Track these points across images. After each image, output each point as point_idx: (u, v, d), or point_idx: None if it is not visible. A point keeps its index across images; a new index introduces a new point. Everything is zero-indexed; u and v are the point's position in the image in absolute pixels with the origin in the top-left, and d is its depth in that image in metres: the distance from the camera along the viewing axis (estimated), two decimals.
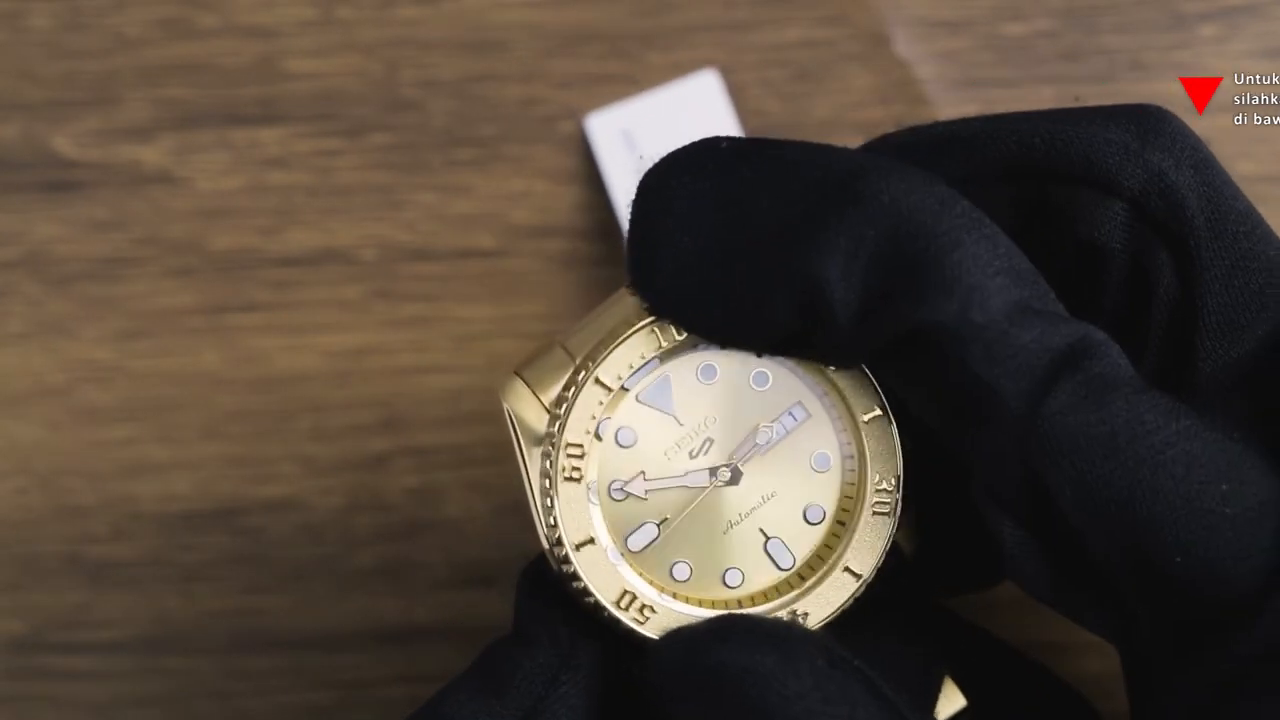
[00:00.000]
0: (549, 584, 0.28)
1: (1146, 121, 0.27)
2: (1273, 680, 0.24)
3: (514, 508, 0.41)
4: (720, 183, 0.26)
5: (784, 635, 0.26)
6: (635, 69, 0.42)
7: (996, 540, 0.27)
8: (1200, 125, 0.42)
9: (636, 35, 0.42)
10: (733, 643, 0.26)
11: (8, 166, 0.42)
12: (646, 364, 0.27)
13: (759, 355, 0.28)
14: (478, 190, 0.42)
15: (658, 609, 0.28)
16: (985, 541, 0.28)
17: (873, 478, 0.28)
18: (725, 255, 0.26)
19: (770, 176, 0.26)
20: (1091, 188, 0.27)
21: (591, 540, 0.27)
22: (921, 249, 0.25)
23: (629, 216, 0.27)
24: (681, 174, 0.27)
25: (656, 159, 0.27)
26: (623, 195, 0.41)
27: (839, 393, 0.28)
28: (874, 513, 0.28)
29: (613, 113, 0.41)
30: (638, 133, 0.41)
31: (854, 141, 0.42)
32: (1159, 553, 0.24)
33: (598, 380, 0.27)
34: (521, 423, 0.28)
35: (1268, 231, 0.27)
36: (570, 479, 0.27)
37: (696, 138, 0.41)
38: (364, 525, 0.42)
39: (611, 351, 0.27)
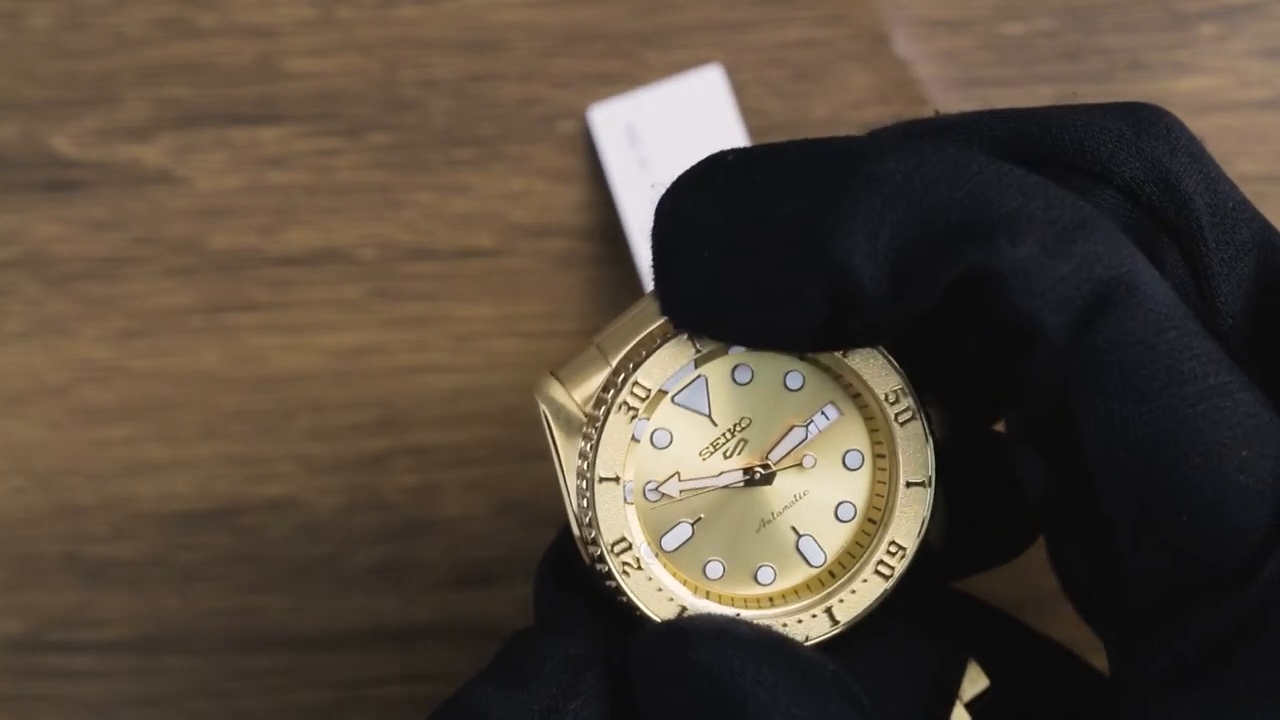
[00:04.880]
0: (570, 572, 0.28)
1: (1142, 113, 0.27)
2: (1247, 654, 0.24)
3: (513, 507, 0.41)
4: (731, 192, 0.27)
5: (756, 635, 0.27)
6: (635, 68, 0.42)
7: (1023, 481, 0.27)
8: (1200, 125, 0.42)
9: (636, 35, 0.42)
10: (709, 640, 0.26)
11: (7, 166, 0.42)
12: (683, 369, 0.28)
13: (801, 357, 0.28)
14: (477, 190, 0.42)
15: (643, 565, 0.28)
16: (1005, 521, 0.29)
17: (903, 474, 0.28)
18: (746, 260, 0.26)
19: (778, 176, 0.26)
20: (1085, 175, 0.27)
21: (616, 479, 0.28)
22: (943, 211, 0.25)
23: (650, 244, 0.27)
24: (693, 191, 0.27)
25: (666, 186, 0.27)
26: (625, 189, 0.41)
27: (869, 390, 0.28)
28: (905, 507, 0.28)
29: (615, 106, 0.41)
30: (640, 126, 0.41)
31: None
32: (1167, 508, 0.24)
33: (628, 398, 0.27)
34: (555, 419, 0.28)
35: (1266, 222, 0.27)
36: (607, 479, 0.28)
37: (699, 131, 0.41)
38: (363, 525, 0.42)
39: (647, 358, 0.27)
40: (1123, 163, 0.27)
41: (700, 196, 0.27)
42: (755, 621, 0.28)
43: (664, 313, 0.28)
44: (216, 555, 0.42)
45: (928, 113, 0.42)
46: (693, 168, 0.27)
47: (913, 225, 0.25)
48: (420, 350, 0.42)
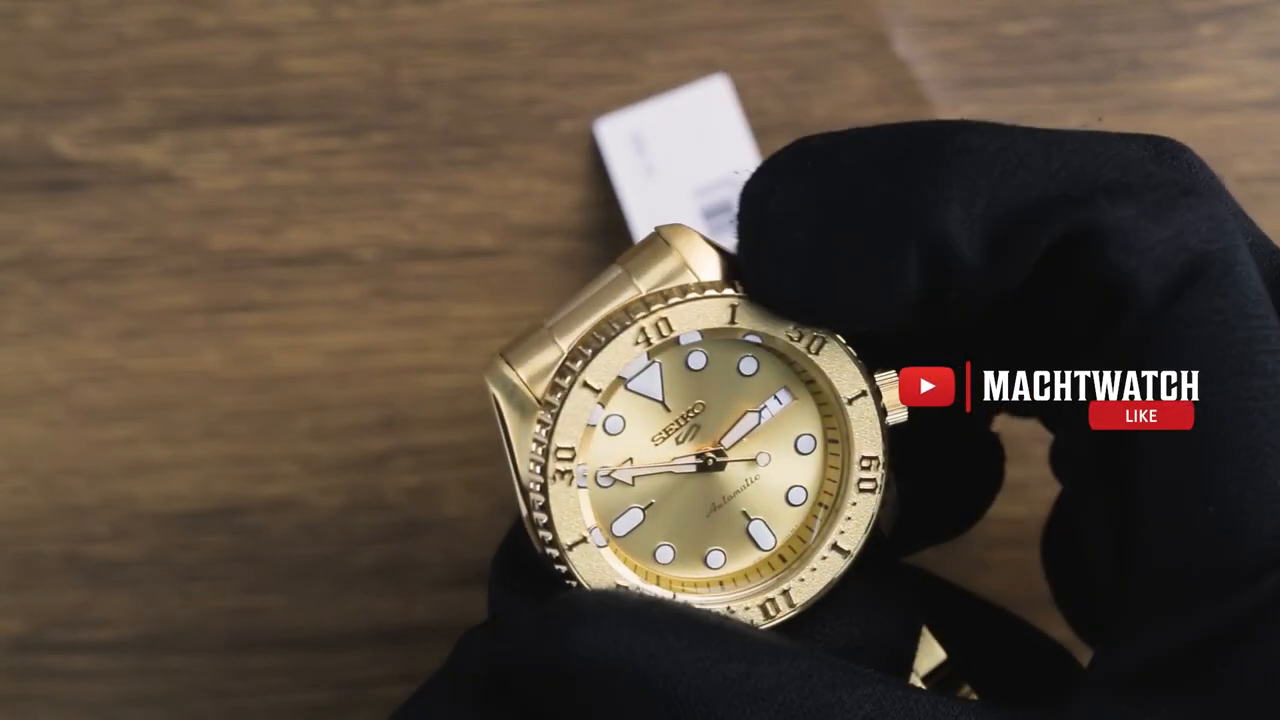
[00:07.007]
0: (522, 569, 0.28)
1: (1162, 146, 0.27)
2: (1240, 655, 0.24)
3: (513, 507, 0.41)
4: (821, 175, 0.26)
5: (634, 605, 0.26)
6: (634, 68, 0.42)
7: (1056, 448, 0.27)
8: (1200, 125, 0.42)
9: (636, 35, 0.42)
10: (587, 627, 0.26)
11: (8, 166, 0.42)
12: (637, 357, 0.28)
13: (757, 344, 0.28)
14: (477, 190, 0.42)
15: (599, 559, 0.28)
16: (954, 503, 0.29)
17: (857, 458, 0.28)
18: (842, 239, 0.26)
19: (868, 157, 0.26)
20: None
21: (569, 474, 0.28)
22: (1040, 179, 0.25)
23: (736, 229, 0.27)
24: (782, 175, 0.27)
25: (751, 170, 0.27)
26: (632, 199, 0.41)
27: (823, 375, 0.28)
28: (860, 490, 0.28)
29: (622, 118, 0.41)
30: (647, 137, 0.41)
31: None
32: (1198, 491, 0.24)
33: (585, 384, 0.27)
34: (508, 401, 0.28)
35: None
36: (561, 475, 0.28)
37: (706, 141, 0.41)
38: (363, 525, 0.42)
39: (601, 351, 0.27)
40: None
41: (789, 180, 0.27)
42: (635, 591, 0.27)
43: (757, 298, 0.27)
44: (216, 555, 0.42)
45: (927, 114, 0.42)
46: (777, 154, 0.27)
47: (1009, 191, 0.25)
48: (420, 350, 0.42)
